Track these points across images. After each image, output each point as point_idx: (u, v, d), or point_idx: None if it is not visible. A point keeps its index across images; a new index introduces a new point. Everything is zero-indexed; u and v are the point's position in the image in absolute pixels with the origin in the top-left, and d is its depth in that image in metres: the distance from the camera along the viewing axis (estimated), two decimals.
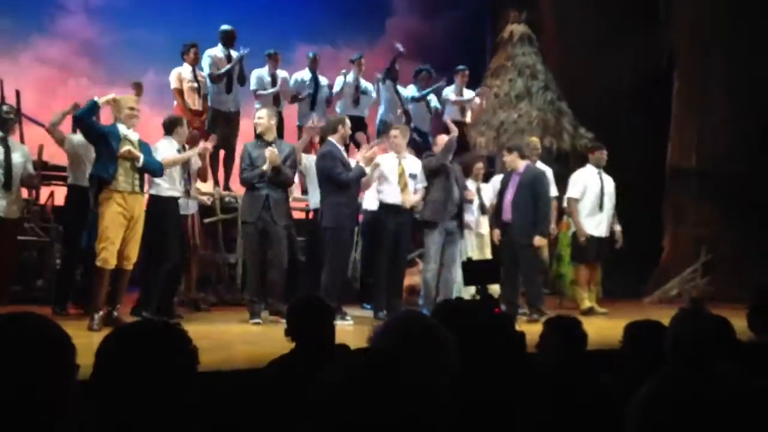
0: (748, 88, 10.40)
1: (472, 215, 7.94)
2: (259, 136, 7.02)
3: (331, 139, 7.11)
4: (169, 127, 6.94)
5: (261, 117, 7.04)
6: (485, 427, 2.41)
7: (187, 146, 7.09)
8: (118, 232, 6.03)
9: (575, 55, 11.45)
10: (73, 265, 7.10)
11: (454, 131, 7.61)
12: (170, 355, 1.69)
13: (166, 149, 6.74)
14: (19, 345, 1.59)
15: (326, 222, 6.95)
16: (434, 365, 1.98)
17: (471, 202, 7.89)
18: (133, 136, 6.20)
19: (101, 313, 5.97)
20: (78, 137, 6.78)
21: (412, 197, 7.38)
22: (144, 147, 6.26)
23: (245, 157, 6.97)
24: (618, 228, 8.41)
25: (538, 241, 7.54)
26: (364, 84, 9.77)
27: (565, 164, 9.87)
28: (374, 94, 9.83)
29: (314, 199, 7.60)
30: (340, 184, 6.91)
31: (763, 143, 10.33)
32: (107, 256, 5.98)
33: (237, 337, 5.94)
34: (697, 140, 10.92)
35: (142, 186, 6.27)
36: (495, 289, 6.49)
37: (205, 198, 7.89)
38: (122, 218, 6.04)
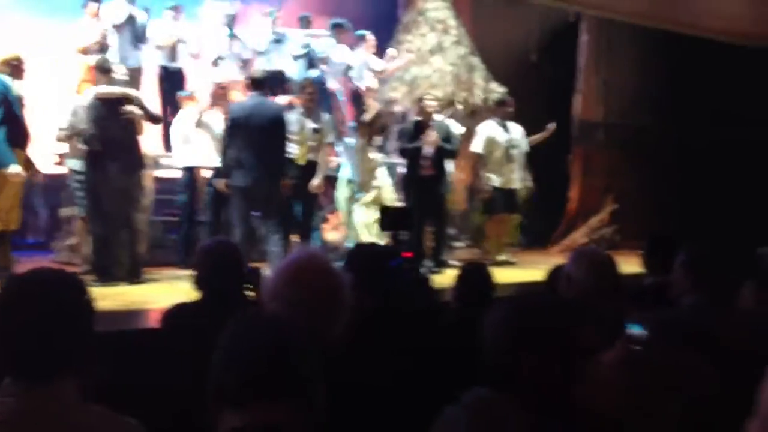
0: (653, 41, 10.66)
1: None
2: None
3: None
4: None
5: None
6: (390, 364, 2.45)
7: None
8: None
9: (485, 9, 11.50)
10: None
11: None
12: (66, 301, 1.67)
13: None
14: None
15: None
16: (331, 304, 1.99)
17: None
18: None
19: None
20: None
21: None
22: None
23: None
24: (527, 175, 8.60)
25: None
26: (280, 33, 9.66)
27: (477, 119, 9.97)
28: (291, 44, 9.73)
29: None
30: None
31: (668, 95, 10.66)
32: None
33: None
34: (605, 92, 11.19)
35: None
36: None
37: None
38: None
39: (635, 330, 1.92)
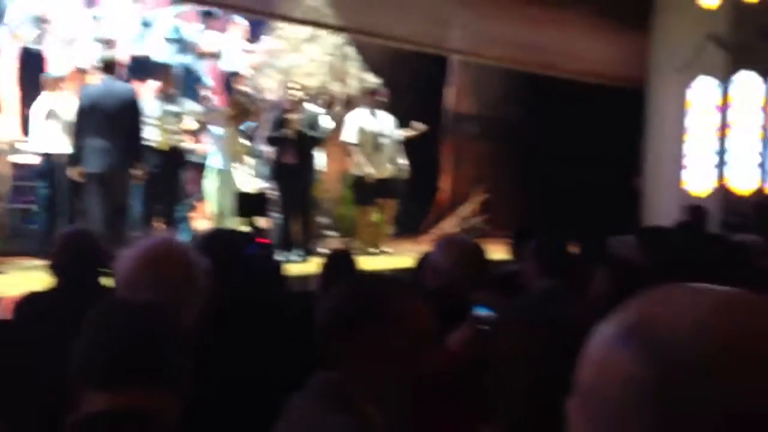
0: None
1: None
2: None
3: None
4: None
5: None
6: (241, 349, 2.42)
7: None
8: None
9: None
10: None
11: None
12: None
13: None
14: None
15: None
16: (186, 291, 1.95)
17: None
18: None
19: None
20: None
21: None
22: None
23: None
24: (402, 162, 8.66)
25: None
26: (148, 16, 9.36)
27: (351, 108, 9.99)
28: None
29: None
30: None
31: (536, 88, 11.02)
32: None
33: None
34: (477, 86, 11.46)
35: None
36: None
37: None
38: None
39: (482, 311, 1.96)
